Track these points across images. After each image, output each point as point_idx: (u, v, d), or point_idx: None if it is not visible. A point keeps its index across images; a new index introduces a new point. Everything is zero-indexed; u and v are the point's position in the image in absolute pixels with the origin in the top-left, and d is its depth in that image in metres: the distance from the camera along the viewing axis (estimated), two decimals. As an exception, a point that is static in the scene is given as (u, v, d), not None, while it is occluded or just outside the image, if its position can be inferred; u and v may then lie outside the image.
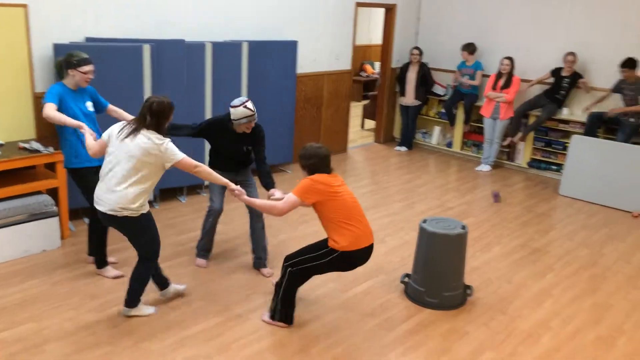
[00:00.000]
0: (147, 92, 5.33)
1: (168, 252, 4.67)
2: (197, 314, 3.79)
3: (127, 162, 3.38)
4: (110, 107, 4.38)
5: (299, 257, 3.58)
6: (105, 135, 3.54)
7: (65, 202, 4.76)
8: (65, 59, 4.04)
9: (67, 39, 5.08)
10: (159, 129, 3.45)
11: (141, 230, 3.56)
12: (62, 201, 4.73)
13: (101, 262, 4.24)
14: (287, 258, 3.66)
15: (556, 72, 7.18)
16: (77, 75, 4.04)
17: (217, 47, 5.88)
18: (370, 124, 9.70)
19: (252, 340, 3.53)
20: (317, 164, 3.54)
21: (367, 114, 9.78)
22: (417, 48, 8.09)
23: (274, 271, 4.39)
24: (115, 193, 3.39)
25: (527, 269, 4.72)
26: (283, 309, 3.65)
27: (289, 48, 6.57)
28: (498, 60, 7.48)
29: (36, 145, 4.62)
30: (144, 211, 3.51)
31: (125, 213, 3.42)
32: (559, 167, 7.15)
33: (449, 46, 8.30)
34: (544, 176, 7.40)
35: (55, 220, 4.63)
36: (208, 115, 5.94)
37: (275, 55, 6.45)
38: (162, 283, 3.92)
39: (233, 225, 5.31)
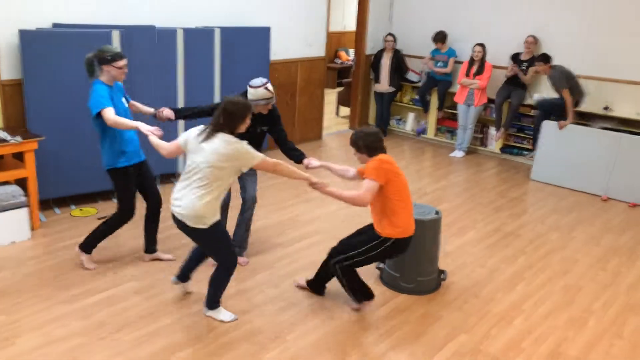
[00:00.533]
0: (117, 80, 5.22)
1: (141, 241, 4.61)
2: (170, 304, 3.75)
3: (204, 169, 3.25)
4: (131, 101, 4.26)
5: (349, 253, 3.59)
6: (181, 138, 3.45)
7: (35, 192, 4.65)
8: (97, 55, 3.81)
9: (34, 24, 4.94)
10: (233, 130, 3.31)
11: (214, 242, 3.45)
12: (31, 191, 4.63)
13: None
14: (335, 253, 3.66)
15: (516, 57, 7.28)
16: (113, 70, 3.84)
17: (189, 33, 5.78)
18: (345, 110, 9.70)
19: (228, 329, 3.51)
20: (377, 143, 3.54)
21: (342, 100, 9.77)
22: (391, 34, 8.09)
23: (249, 260, 4.37)
24: (189, 200, 3.29)
25: (500, 253, 4.78)
26: (358, 292, 3.71)
27: (261, 34, 6.51)
28: (471, 46, 7.52)
29: (3, 135, 4.51)
30: (214, 220, 3.36)
31: (195, 225, 3.31)
32: (531, 152, 7.25)
33: (423, 33, 8.29)
34: (516, 161, 7.50)
35: (24, 211, 4.53)
36: (180, 103, 5.85)
37: (248, 42, 6.38)
38: (184, 276, 3.81)
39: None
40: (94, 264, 4.17)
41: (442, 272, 4.23)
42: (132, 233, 4.70)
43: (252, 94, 4.00)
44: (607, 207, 6.03)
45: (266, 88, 3.98)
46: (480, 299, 4.06)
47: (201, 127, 3.39)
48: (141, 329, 3.46)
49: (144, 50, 5.41)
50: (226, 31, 6.12)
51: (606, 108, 6.78)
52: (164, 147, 3.59)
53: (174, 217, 3.41)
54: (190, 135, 3.39)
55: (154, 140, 3.65)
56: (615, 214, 5.81)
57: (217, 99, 6.19)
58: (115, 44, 5.12)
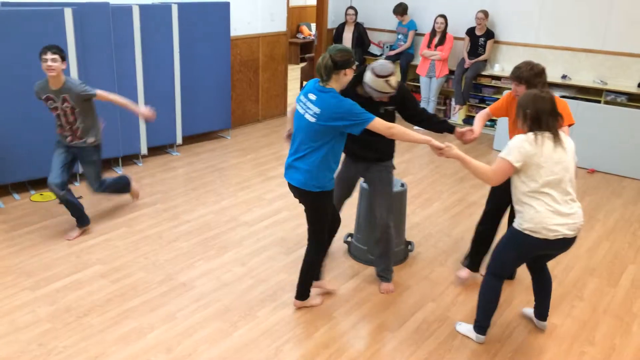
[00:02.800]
0: (72, 60, 5.05)
1: (106, 224, 4.53)
2: (138, 285, 3.71)
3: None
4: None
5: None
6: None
7: (-10, 178, 4.51)
8: (345, 55, 3.08)
9: (-21, 3, 4.73)
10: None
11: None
12: (-14, 178, 4.48)
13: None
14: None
15: (471, 32, 7.36)
16: (350, 74, 3.15)
17: (145, 9, 5.61)
18: (308, 86, 9.62)
19: (197, 308, 3.50)
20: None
21: (306, 76, 9.68)
22: (352, 8, 8.03)
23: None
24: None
25: (465, 223, 4.87)
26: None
27: (221, 10, 6.37)
28: (431, 18, 7.54)
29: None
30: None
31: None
32: (493, 122, 7.36)
33: (384, 5, 8.28)
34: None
35: (-20, 198, 4.39)
36: (139, 84, 5.70)
37: (207, 18, 6.24)
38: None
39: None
40: (318, 298, 3.65)
41: (409, 243, 4.29)
42: (91, 217, 4.62)
43: (369, 79, 3.29)
44: (566, 173, 6.18)
45: (387, 81, 3.27)
46: (446, 267, 4.14)
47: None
48: (109, 312, 3.42)
49: (99, 28, 5.24)
50: (184, 7, 5.97)
51: (564, 77, 6.92)
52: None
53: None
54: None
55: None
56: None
57: (177, 78, 6.07)
58: (68, 23, 4.95)
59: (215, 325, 3.34)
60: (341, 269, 4.06)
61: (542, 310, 3.39)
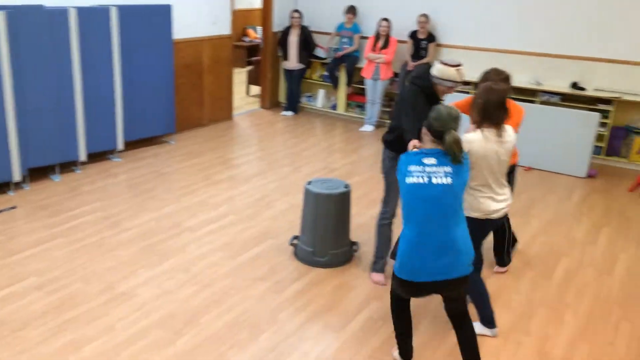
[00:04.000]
0: (5, 66, 4.86)
1: (42, 234, 4.38)
2: (76, 296, 3.61)
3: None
4: None
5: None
6: None
7: None
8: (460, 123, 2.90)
9: None
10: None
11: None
12: None
13: None
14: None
15: (414, 35, 7.53)
16: None
17: (83, 12, 5.47)
18: (255, 89, 9.60)
19: (138, 317, 3.43)
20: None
21: (252, 79, 9.66)
22: (297, 11, 8.06)
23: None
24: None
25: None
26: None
27: (162, 12, 6.27)
28: (375, 22, 7.66)
29: None
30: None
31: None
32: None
33: (329, 8, 8.35)
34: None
35: None
36: (77, 91, 5.54)
37: (148, 21, 6.13)
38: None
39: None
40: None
41: (355, 243, 4.34)
42: (26, 227, 4.46)
43: (439, 70, 3.37)
44: (505, 171, 6.39)
45: (458, 70, 3.35)
46: (391, 266, 4.19)
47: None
48: (45, 325, 3.30)
49: (33, 32, 5.07)
50: (124, 10, 5.84)
51: (502, 78, 7.15)
52: None
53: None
54: None
55: None
56: (513, 177, 6.18)
57: (117, 82, 5.93)
58: (1, 27, 4.77)
59: (157, 334, 3.28)
60: (287, 271, 4.06)
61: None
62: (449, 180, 2.71)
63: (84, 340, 3.20)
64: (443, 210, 2.70)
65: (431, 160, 2.76)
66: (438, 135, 2.78)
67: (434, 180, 2.71)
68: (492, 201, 3.21)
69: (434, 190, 2.69)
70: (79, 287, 3.71)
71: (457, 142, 2.73)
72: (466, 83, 7.18)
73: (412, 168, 2.77)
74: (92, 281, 3.79)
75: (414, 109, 3.37)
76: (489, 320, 3.40)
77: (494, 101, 3.06)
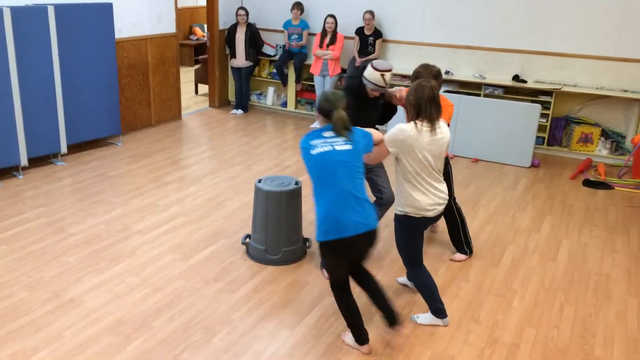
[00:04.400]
0: None
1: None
2: (19, 306, 3.47)
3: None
4: None
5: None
6: None
7: None
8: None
9: None
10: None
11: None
12: None
13: None
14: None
15: (360, 32, 7.61)
16: None
17: (17, 12, 5.26)
18: (204, 88, 9.47)
19: (87, 324, 3.33)
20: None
21: (200, 78, 9.52)
22: (242, 8, 7.99)
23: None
24: None
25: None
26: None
27: (102, 11, 6.10)
28: (321, 19, 7.68)
29: None
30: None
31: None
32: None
33: (275, 6, 8.32)
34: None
35: None
36: (16, 94, 5.32)
37: (88, 20, 5.96)
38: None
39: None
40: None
41: (307, 240, 4.35)
42: (-31, 236, 4.27)
43: (367, 72, 3.65)
44: (453, 163, 6.52)
45: (382, 75, 3.59)
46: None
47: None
48: (-13, 338, 3.17)
49: (-36, 32, 4.85)
50: (62, 8, 5.66)
51: (447, 72, 7.31)
52: None
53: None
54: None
55: None
56: (460, 169, 6.33)
57: (57, 83, 5.74)
58: None
59: (107, 340, 3.20)
60: (240, 271, 4.03)
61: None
62: (349, 146, 3.03)
63: (30, 350, 3.08)
64: (350, 171, 3.00)
65: (329, 133, 3.08)
66: (327, 115, 3.09)
67: (337, 147, 3.02)
68: (425, 196, 3.24)
69: (340, 155, 3.00)
70: (23, 297, 3.57)
71: (342, 118, 3.04)
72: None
73: (315, 142, 3.07)
74: (37, 289, 3.66)
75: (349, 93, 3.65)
76: (439, 311, 3.48)
77: (426, 97, 3.16)
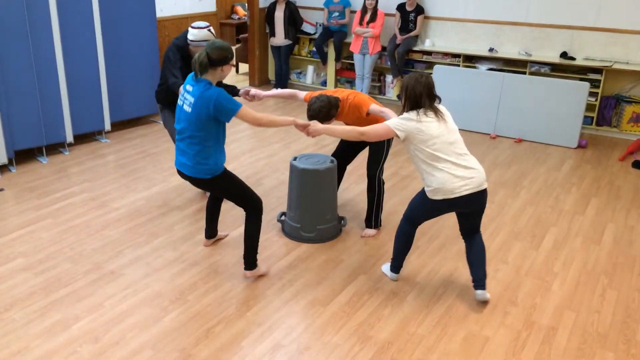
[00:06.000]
0: (-16, 45, 4.79)
1: (30, 216, 4.37)
2: (63, 277, 3.60)
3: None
4: None
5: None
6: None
7: None
8: (222, 54, 3.16)
9: None
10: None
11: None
12: None
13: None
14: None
15: (401, 8, 7.44)
16: (227, 70, 3.27)
17: (62, -9, 5.38)
18: (244, 67, 9.51)
19: (125, 296, 3.43)
20: None
21: (240, 57, 9.55)
22: (282, -14, 7.94)
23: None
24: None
25: (398, 196, 4.96)
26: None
27: (144, -10, 6.17)
28: (363, -5, 7.55)
29: None
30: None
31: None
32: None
33: (315, -17, 8.23)
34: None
35: None
36: (60, 68, 5.47)
37: (130, -1, 6.04)
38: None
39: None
40: (264, 267, 3.75)
41: (342, 218, 4.33)
42: (14, 210, 4.45)
43: (194, 34, 4.09)
44: (495, 144, 6.38)
45: (209, 30, 4.12)
46: (379, 240, 4.21)
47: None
48: (32, 306, 3.30)
49: (10, 11, 4.98)
50: (104, -13, 5.75)
51: (491, 49, 7.09)
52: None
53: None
54: None
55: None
56: (503, 150, 6.17)
57: (101, 62, 5.86)
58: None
59: (144, 312, 3.29)
60: (275, 247, 4.06)
61: (477, 277, 3.40)
62: (189, 109, 3.28)
63: (72, 319, 3.20)
64: (181, 129, 3.39)
65: (189, 88, 3.28)
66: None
67: (184, 106, 3.31)
68: (453, 177, 3.18)
69: (182, 114, 3.32)
70: (66, 268, 3.70)
71: (201, 63, 3.13)
72: (455, 55, 7.13)
73: (181, 89, 3.42)
74: (79, 261, 3.78)
75: (175, 64, 4.21)
76: (396, 268, 3.65)
77: (423, 92, 3.26)
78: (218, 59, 3.15)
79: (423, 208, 3.40)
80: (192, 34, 4.09)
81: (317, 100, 3.79)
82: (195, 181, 3.44)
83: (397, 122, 3.26)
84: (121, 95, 6.20)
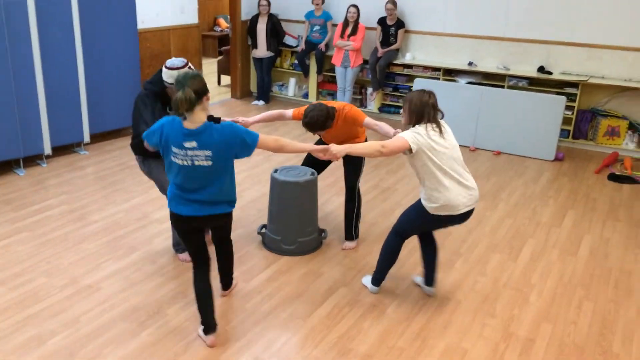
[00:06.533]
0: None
1: (5, 229, 4.30)
2: (39, 291, 3.55)
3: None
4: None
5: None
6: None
7: None
8: (201, 81, 2.90)
9: None
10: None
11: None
12: None
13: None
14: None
15: (382, 22, 7.54)
16: (208, 97, 2.98)
17: (41, 2, 5.33)
18: (226, 79, 9.51)
19: (102, 310, 3.39)
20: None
21: (222, 69, 9.56)
22: (265, -1, 7.98)
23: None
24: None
25: (379, 207, 4.98)
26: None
27: (125, 1, 6.15)
28: (344, 8, 7.62)
29: None
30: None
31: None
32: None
33: (297, -4, 8.29)
34: (394, 119, 7.78)
35: None
36: (39, 80, 5.42)
37: (110, 10, 6.01)
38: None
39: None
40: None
41: (323, 231, 4.34)
42: (-7, 222, 4.38)
43: (172, 75, 3.44)
44: (475, 156, 6.45)
45: (190, 67, 3.53)
46: (359, 252, 4.22)
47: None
48: (6, 321, 3.25)
49: (-10, 22, 4.94)
50: (85, -1, 5.73)
51: (470, 63, 7.20)
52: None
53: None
54: None
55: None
56: (482, 162, 6.24)
57: (81, 73, 5.83)
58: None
59: (121, 326, 3.25)
60: (255, 260, 4.05)
61: (429, 276, 3.64)
62: (208, 163, 2.93)
63: (47, 334, 3.15)
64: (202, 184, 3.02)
65: (191, 144, 2.87)
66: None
67: (196, 163, 2.93)
68: (457, 194, 3.24)
69: (198, 172, 2.97)
70: (42, 282, 3.65)
71: (190, 99, 2.78)
72: (435, 69, 7.21)
73: (173, 149, 2.93)
74: (56, 275, 3.73)
75: (153, 112, 3.59)
76: (377, 280, 3.68)
77: (429, 103, 3.29)
78: (201, 88, 2.85)
79: (418, 222, 3.42)
80: (170, 76, 3.48)
81: (315, 108, 3.73)
82: (212, 220, 3.09)
83: (411, 136, 3.18)
84: (101, 107, 6.15)
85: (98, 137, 6.37)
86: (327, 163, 4.25)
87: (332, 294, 3.67)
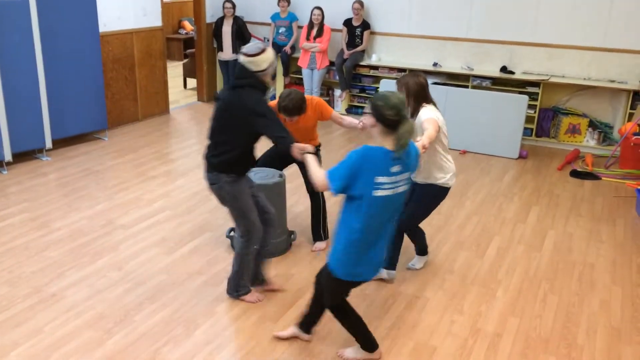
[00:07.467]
0: None
1: None
2: (0, 301, 3.44)
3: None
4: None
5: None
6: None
7: None
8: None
9: None
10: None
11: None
12: None
13: None
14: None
15: (348, 23, 7.58)
16: None
17: (-1, 5, 5.20)
18: (192, 82, 9.42)
19: (67, 319, 3.31)
20: None
21: (188, 72, 9.47)
22: (229, 1, 7.90)
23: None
24: None
25: (347, 209, 4.99)
26: None
27: (85, 4, 6.04)
28: (309, 11, 7.63)
29: None
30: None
31: None
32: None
33: (262, -1, 8.27)
34: (362, 121, 7.83)
35: None
36: (-2, 83, 5.28)
37: (71, 13, 5.89)
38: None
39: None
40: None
41: (292, 232, 4.33)
42: (-50, 232, 4.23)
43: (259, 61, 3.15)
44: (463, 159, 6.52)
45: (267, 50, 3.23)
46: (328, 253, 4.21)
47: None
48: (-34, 334, 3.14)
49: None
50: (43, 2, 5.58)
51: (435, 64, 7.29)
52: None
53: None
54: None
55: None
56: (448, 161, 6.32)
57: (41, 77, 5.69)
58: None
59: (87, 335, 3.18)
60: (224, 264, 4.01)
61: (395, 259, 3.81)
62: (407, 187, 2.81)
63: (10, 345, 3.06)
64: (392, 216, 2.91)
65: (396, 169, 2.61)
66: (393, 125, 2.57)
67: (399, 190, 2.72)
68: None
69: (396, 198, 2.78)
70: (3, 292, 3.55)
71: (411, 131, 2.59)
72: (401, 70, 7.28)
73: (379, 179, 2.58)
74: (18, 285, 3.63)
75: (271, 112, 3.16)
76: (392, 265, 3.80)
77: (425, 85, 3.56)
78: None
79: (434, 205, 3.73)
80: (263, 60, 3.16)
81: (292, 92, 3.78)
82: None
83: (435, 115, 3.41)
84: (63, 112, 6.02)
85: (61, 142, 6.22)
86: (287, 162, 4.24)
87: (302, 295, 3.66)
